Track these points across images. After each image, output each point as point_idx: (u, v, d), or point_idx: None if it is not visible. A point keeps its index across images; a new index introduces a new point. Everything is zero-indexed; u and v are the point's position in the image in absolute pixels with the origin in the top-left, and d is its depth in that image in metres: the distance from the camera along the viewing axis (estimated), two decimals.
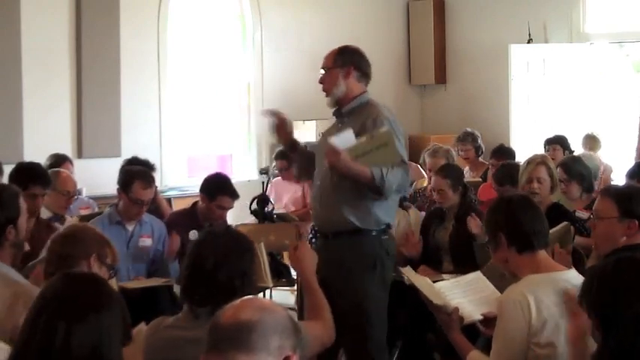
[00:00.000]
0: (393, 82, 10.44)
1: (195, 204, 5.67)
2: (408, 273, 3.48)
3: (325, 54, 4.41)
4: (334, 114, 4.43)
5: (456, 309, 3.28)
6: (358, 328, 4.20)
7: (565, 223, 4.45)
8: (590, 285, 2.48)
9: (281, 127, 4.47)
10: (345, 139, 4.06)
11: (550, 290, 3.00)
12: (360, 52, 4.41)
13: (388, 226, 4.34)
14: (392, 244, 4.38)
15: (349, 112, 4.32)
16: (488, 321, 3.31)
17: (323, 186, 4.29)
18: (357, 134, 4.13)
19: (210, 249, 2.84)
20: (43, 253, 4.03)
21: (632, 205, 3.43)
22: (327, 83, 4.33)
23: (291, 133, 4.51)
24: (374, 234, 4.24)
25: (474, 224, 5.03)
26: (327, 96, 4.36)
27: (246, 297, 2.04)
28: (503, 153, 7.32)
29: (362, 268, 4.19)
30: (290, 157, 4.60)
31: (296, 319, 5.45)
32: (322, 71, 4.37)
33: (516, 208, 3.13)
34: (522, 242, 3.09)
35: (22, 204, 3.48)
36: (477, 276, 3.88)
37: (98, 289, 2.20)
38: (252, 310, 1.96)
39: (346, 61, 4.32)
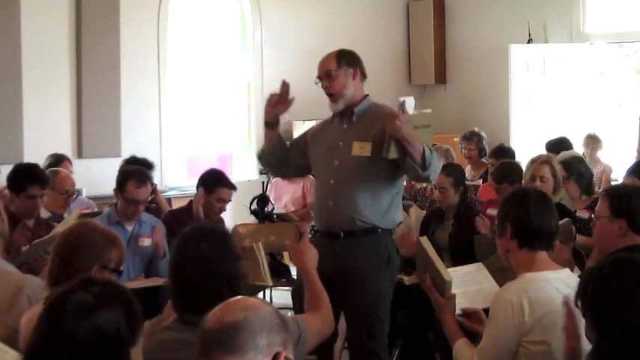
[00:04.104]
0: (393, 82, 10.44)
1: (192, 202, 5.67)
2: (426, 244, 3.44)
3: (323, 60, 4.26)
4: (338, 116, 4.29)
5: (453, 295, 3.27)
6: (371, 326, 4.19)
7: (567, 219, 4.46)
8: (586, 286, 2.48)
9: (281, 102, 4.31)
10: (409, 106, 3.96)
11: (544, 289, 3.00)
12: (356, 53, 4.32)
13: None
14: (396, 242, 4.36)
15: (360, 114, 4.22)
16: (469, 315, 3.31)
17: (338, 186, 4.18)
18: (373, 131, 4.08)
19: (190, 262, 2.79)
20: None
21: (621, 204, 3.42)
22: (336, 86, 4.19)
23: (284, 110, 4.35)
24: (386, 232, 4.21)
25: (482, 224, 5.05)
26: (334, 101, 4.21)
27: (230, 299, 2.02)
28: (503, 153, 7.32)
29: (377, 267, 4.15)
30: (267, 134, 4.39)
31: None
32: (319, 77, 4.23)
33: (529, 203, 3.11)
34: (525, 238, 3.09)
35: None
36: (477, 267, 3.86)
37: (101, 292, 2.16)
38: (237, 310, 1.94)
39: (351, 62, 4.23)
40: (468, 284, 3.53)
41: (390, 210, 4.19)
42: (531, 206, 3.10)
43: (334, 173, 4.20)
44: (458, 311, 3.30)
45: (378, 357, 4.20)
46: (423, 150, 3.93)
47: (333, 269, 4.08)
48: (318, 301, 3.10)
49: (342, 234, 4.18)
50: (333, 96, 4.21)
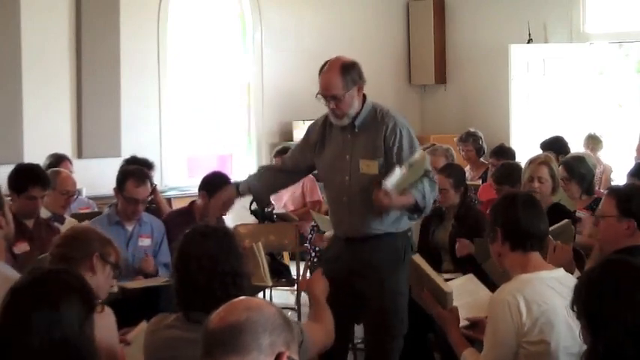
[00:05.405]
0: (393, 82, 10.44)
1: (192, 203, 5.65)
2: (419, 261, 3.46)
3: (327, 81, 4.10)
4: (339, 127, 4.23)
5: (456, 307, 3.28)
6: (391, 327, 4.22)
7: (566, 220, 4.47)
8: (580, 288, 2.48)
9: None
10: (394, 178, 3.98)
11: (539, 288, 3.01)
12: (356, 62, 4.19)
13: None
14: (411, 239, 4.42)
15: (361, 125, 4.18)
16: (474, 324, 3.34)
17: (351, 203, 4.20)
18: (377, 146, 4.11)
19: (196, 260, 2.81)
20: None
21: (631, 204, 3.42)
22: (343, 108, 4.11)
23: None
24: (403, 233, 4.26)
25: (461, 248, 5.05)
26: (339, 117, 4.15)
27: (234, 299, 2.02)
28: (503, 153, 7.31)
29: (395, 265, 4.16)
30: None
31: (295, 318, 5.40)
32: (323, 96, 4.13)
33: (518, 206, 3.13)
34: (516, 240, 3.10)
35: (3, 196, 3.52)
36: (468, 278, 3.87)
37: (53, 287, 2.24)
38: (240, 311, 1.95)
39: (356, 79, 4.12)
40: (462, 296, 3.54)
41: (404, 217, 4.23)
42: (519, 209, 3.12)
43: (346, 190, 4.22)
44: (463, 322, 3.31)
45: (394, 357, 4.22)
46: (417, 200, 4.07)
47: (352, 268, 4.19)
48: (323, 314, 3.18)
49: (358, 238, 4.23)
50: (338, 114, 4.17)
